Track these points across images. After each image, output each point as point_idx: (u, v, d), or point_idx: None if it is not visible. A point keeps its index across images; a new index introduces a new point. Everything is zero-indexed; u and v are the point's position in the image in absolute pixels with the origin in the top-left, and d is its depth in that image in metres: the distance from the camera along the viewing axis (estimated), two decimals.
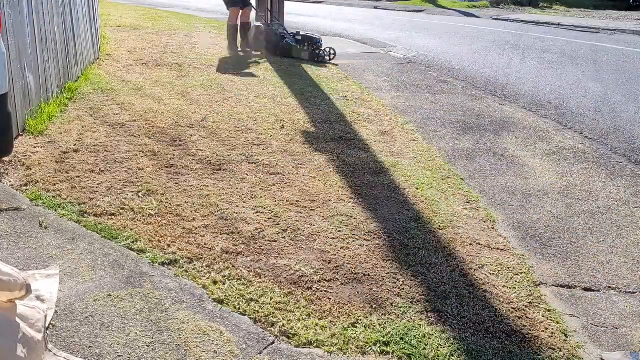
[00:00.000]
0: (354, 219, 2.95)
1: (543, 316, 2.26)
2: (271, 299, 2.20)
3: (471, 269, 2.56)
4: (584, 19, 17.70)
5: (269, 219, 2.87)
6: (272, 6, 8.37)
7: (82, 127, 4.02)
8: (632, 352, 2.08)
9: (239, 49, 7.90)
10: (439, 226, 2.96)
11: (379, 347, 1.99)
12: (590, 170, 4.05)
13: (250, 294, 2.22)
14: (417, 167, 3.81)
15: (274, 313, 2.12)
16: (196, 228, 2.72)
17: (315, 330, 2.04)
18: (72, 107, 4.47)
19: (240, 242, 2.62)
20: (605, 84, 7.21)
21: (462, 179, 3.70)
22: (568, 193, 3.61)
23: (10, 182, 3.05)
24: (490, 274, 2.54)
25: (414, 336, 2.06)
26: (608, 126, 5.25)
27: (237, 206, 2.99)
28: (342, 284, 2.35)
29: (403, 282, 2.41)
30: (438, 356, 1.97)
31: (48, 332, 1.90)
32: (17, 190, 2.97)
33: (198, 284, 2.26)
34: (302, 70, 6.95)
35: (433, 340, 2.05)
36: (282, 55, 7.66)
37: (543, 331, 2.17)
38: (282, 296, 2.23)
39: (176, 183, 3.22)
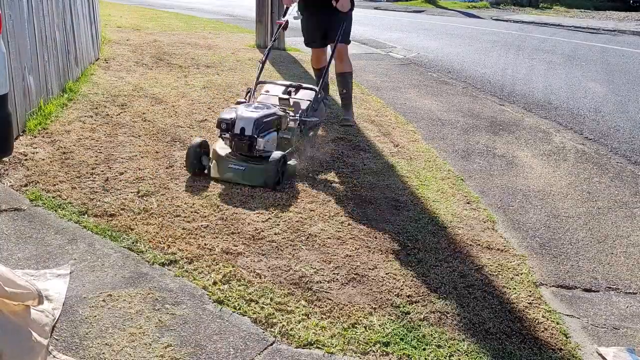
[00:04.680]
0: (354, 219, 2.95)
1: (543, 317, 2.26)
2: (271, 299, 2.20)
3: (471, 269, 2.56)
4: (583, 19, 17.71)
5: (269, 219, 2.87)
6: (272, 7, 8.38)
7: (82, 127, 4.02)
8: (627, 347, 2.08)
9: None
10: (439, 226, 2.96)
11: (379, 347, 1.99)
12: (590, 170, 4.06)
13: (250, 294, 2.22)
14: (417, 167, 3.81)
15: (274, 314, 2.11)
16: (196, 228, 2.72)
17: (315, 330, 2.04)
18: (72, 107, 4.47)
19: (240, 242, 2.62)
20: (605, 85, 7.21)
21: (462, 179, 3.70)
22: (568, 193, 3.60)
23: (10, 182, 3.05)
24: (490, 274, 2.54)
25: (414, 337, 2.06)
26: (608, 126, 5.25)
27: (237, 206, 2.98)
28: (342, 285, 2.35)
29: (403, 282, 2.41)
30: (438, 357, 1.97)
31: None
32: (17, 190, 2.97)
33: (198, 285, 2.26)
34: (302, 70, 6.96)
35: (433, 340, 2.05)
36: None
37: (543, 332, 2.17)
38: (282, 297, 2.23)
39: (176, 183, 3.22)
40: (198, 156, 3.30)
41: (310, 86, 4.06)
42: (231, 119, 3.32)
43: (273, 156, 3.27)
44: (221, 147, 3.42)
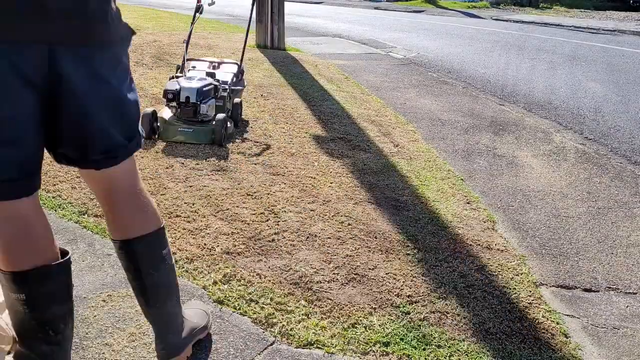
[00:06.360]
0: (354, 219, 2.95)
1: (543, 317, 2.26)
2: (271, 299, 2.20)
3: (471, 269, 2.56)
4: (584, 19, 17.71)
5: (268, 219, 2.87)
6: (272, 7, 8.38)
7: None
8: None
9: None
10: (439, 226, 2.96)
11: (379, 347, 1.99)
12: (591, 170, 4.06)
13: (250, 294, 2.22)
14: (417, 167, 3.81)
15: (273, 314, 2.12)
16: (196, 228, 2.72)
17: (315, 330, 2.04)
18: None
19: (240, 242, 2.62)
20: (605, 84, 7.21)
21: (462, 179, 3.70)
22: (568, 193, 3.61)
23: None
24: (490, 274, 2.54)
25: (414, 337, 2.06)
26: (608, 126, 5.25)
27: (237, 206, 2.99)
28: (342, 284, 2.35)
29: (403, 282, 2.41)
30: (438, 357, 1.97)
31: None
32: None
33: (198, 285, 2.26)
34: (302, 70, 6.96)
35: (433, 340, 2.05)
36: None
37: (543, 332, 2.17)
38: (282, 297, 2.23)
39: (176, 183, 3.22)
40: (150, 123, 3.80)
41: (232, 60, 4.67)
42: (176, 89, 3.86)
43: (218, 117, 3.86)
44: (167, 114, 3.98)
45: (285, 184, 3.33)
